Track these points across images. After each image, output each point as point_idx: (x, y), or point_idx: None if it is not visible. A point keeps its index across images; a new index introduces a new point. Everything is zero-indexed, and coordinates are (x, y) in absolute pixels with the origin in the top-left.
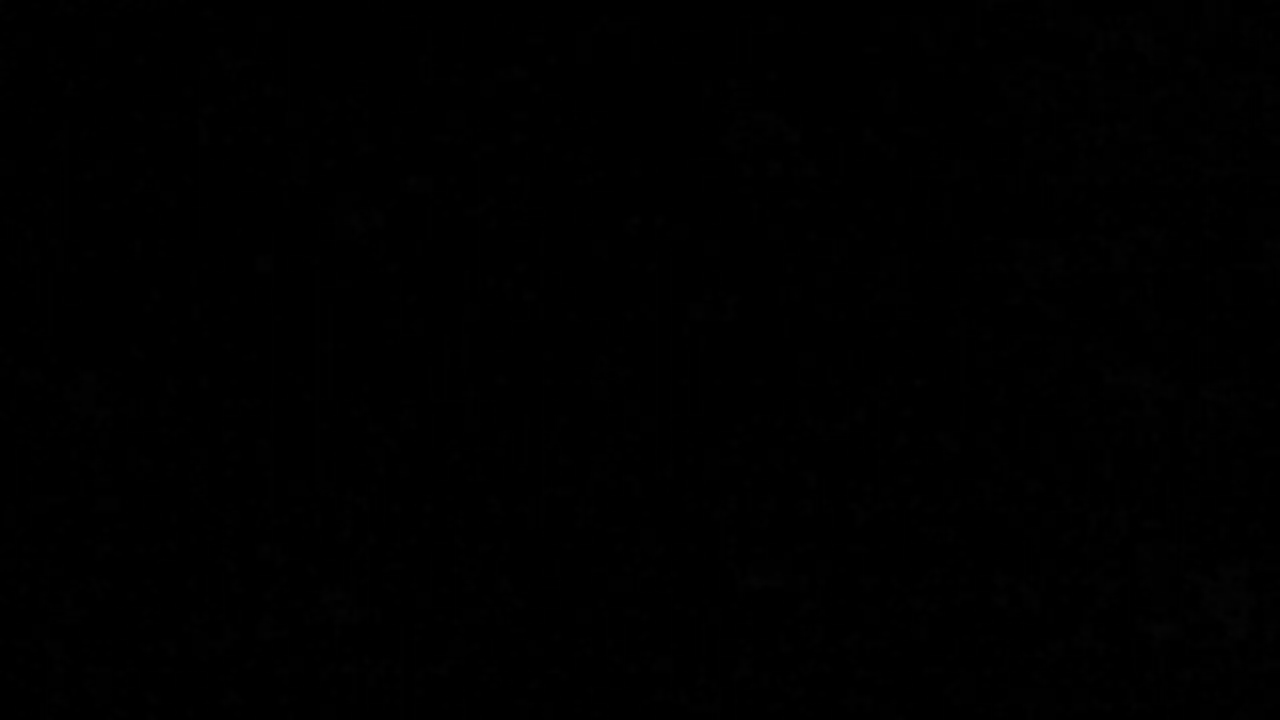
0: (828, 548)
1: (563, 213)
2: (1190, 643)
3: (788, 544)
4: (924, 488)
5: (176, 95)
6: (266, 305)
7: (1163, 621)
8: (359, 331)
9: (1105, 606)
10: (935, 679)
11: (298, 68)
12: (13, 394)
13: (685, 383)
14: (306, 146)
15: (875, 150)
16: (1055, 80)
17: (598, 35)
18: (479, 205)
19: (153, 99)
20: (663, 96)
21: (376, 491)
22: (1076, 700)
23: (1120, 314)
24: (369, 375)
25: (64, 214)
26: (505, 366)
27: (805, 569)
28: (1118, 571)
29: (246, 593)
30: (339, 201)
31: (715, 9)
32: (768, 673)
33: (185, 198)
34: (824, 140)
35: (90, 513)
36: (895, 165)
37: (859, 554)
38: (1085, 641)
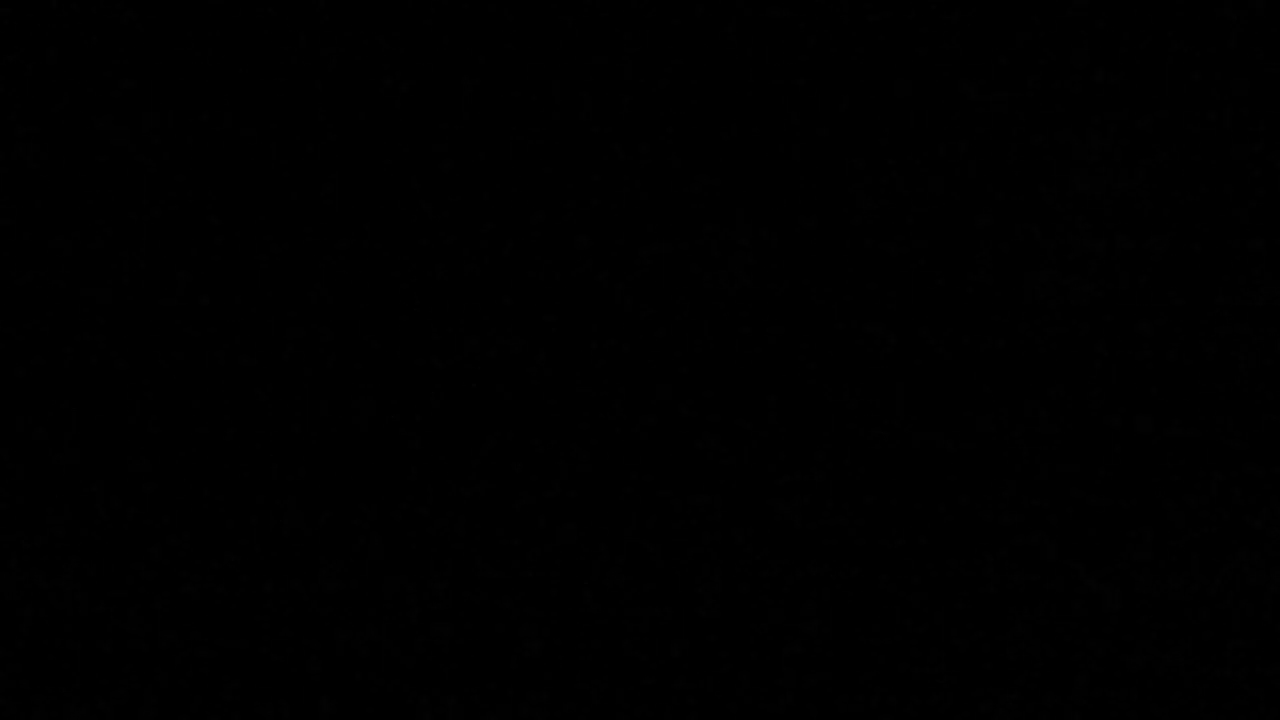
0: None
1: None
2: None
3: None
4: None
5: (177, 95)
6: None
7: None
8: (363, 334)
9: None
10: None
11: (297, 68)
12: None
13: (711, 390)
14: (309, 146)
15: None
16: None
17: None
18: (487, 206)
19: (152, 99)
20: (669, 99)
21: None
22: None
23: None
24: (370, 373)
25: (62, 216)
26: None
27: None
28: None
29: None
30: (340, 204)
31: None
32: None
33: (196, 200)
34: (825, 140)
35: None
36: (898, 165)
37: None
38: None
